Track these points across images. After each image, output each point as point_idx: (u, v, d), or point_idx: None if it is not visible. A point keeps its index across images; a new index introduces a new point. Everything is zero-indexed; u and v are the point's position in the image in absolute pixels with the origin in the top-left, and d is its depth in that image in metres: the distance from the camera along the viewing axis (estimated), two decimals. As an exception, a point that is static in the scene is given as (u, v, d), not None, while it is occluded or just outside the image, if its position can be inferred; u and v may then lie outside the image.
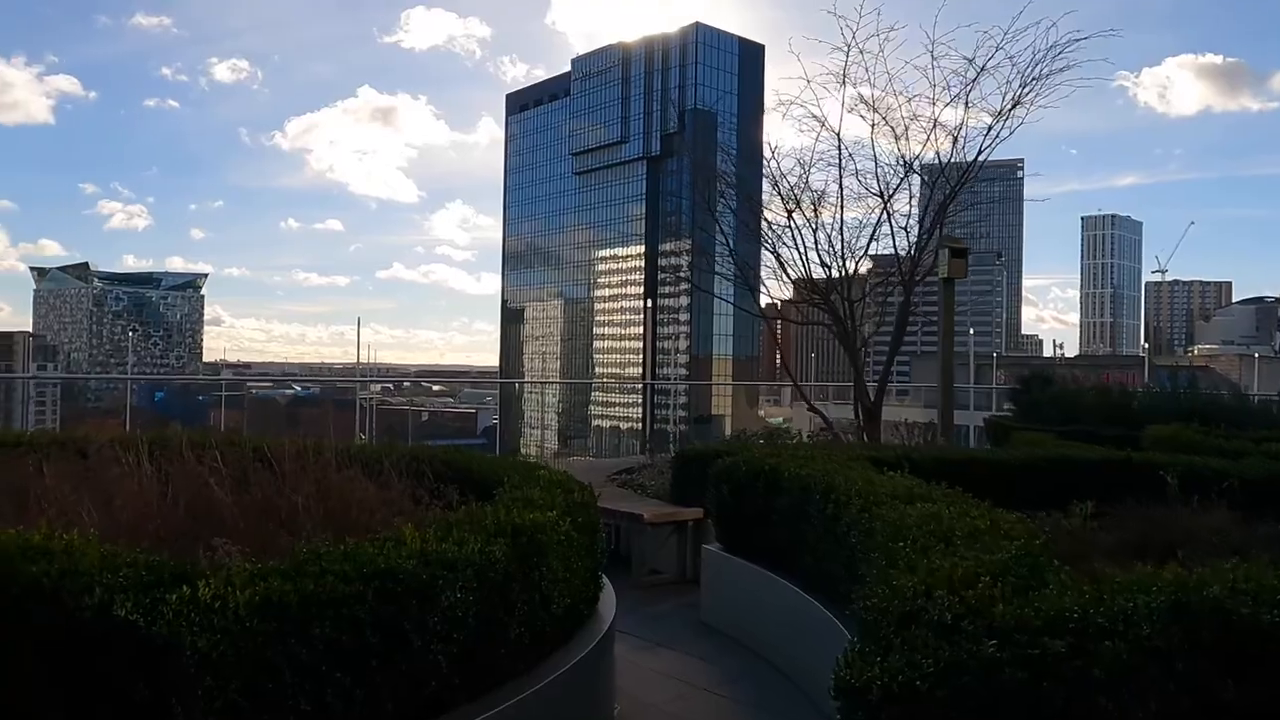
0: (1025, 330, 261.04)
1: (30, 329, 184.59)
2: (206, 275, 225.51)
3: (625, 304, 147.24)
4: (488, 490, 5.44)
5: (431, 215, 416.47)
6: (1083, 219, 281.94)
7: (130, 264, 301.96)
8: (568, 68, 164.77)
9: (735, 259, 14.42)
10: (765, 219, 13.88)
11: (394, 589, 3.42)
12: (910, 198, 13.85)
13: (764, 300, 16.09)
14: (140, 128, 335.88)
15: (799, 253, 13.48)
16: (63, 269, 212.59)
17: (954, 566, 3.15)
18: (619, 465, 13.11)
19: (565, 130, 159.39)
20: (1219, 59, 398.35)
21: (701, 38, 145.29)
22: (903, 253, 13.60)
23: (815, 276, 13.67)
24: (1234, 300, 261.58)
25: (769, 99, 13.44)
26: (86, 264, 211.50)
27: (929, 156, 12.89)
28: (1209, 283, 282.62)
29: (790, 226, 13.37)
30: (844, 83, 12.60)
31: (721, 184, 15.28)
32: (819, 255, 13.33)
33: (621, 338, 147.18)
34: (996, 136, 12.46)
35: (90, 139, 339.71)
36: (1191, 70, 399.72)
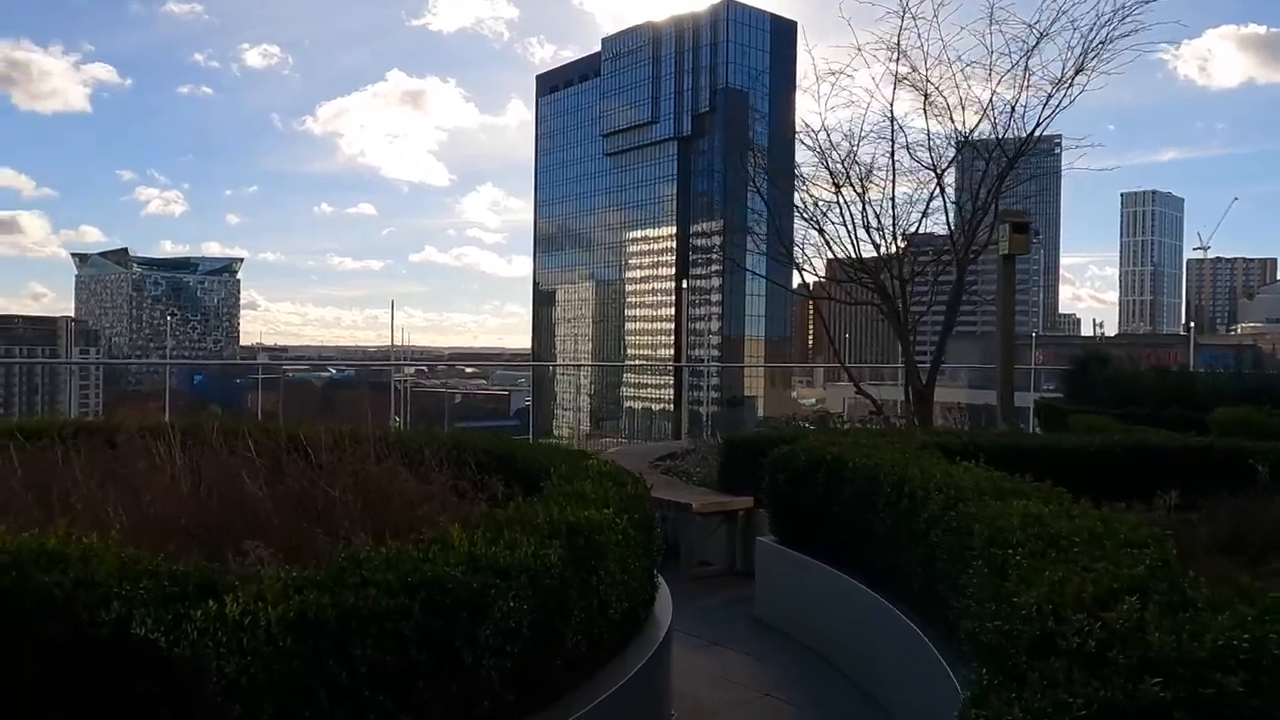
0: (1062, 309, 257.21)
1: (73, 314, 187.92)
2: (242, 260, 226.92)
3: (656, 285, 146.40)
4: (533, 481, 5.14)
5: (462, 198, 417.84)
6: (1123, 195, 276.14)
7: (168, 249, 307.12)
8: (596, 48, 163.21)
9: (780, 236, 13.94)
10: (810, 194, 13.38)
11: (442, 600, 3.06)
12: (962, 172, 13.32)
13: (807, 278, 15.59)
14: (174, 114, 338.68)
15: (848, 230, 12.99)
16: (103, 255, 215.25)
17: (1082, 581, 2.74)
18: (659, 450, 12.67)
19: (595, 111, 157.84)
20: (1263, 29, 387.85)
21: (733, 15, 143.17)
22: (952, 229, 13.08)
23: (864, 255, 13.18)
24: (1279, 277, 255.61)
25: (809, 72, 12.84)
26: (126, 250, 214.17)
27: (984, 129, 12.33)
28: (1252, 259, 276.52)
29: (838, 202, 12.88)
30: (898, 50, 12.05)
31: (762, 159, 14.81)
32: (868, 233, 12.84)
33: (653, 319, 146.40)
34: (1058, 106, 11.86)
35: (126, 126, 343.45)
36: (1234, 41, 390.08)
